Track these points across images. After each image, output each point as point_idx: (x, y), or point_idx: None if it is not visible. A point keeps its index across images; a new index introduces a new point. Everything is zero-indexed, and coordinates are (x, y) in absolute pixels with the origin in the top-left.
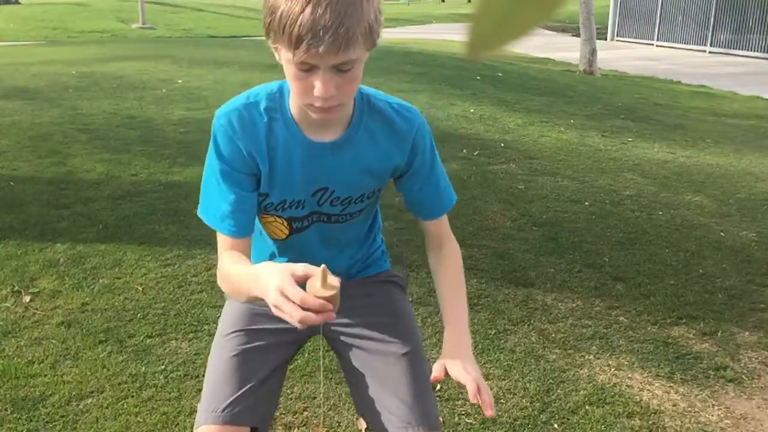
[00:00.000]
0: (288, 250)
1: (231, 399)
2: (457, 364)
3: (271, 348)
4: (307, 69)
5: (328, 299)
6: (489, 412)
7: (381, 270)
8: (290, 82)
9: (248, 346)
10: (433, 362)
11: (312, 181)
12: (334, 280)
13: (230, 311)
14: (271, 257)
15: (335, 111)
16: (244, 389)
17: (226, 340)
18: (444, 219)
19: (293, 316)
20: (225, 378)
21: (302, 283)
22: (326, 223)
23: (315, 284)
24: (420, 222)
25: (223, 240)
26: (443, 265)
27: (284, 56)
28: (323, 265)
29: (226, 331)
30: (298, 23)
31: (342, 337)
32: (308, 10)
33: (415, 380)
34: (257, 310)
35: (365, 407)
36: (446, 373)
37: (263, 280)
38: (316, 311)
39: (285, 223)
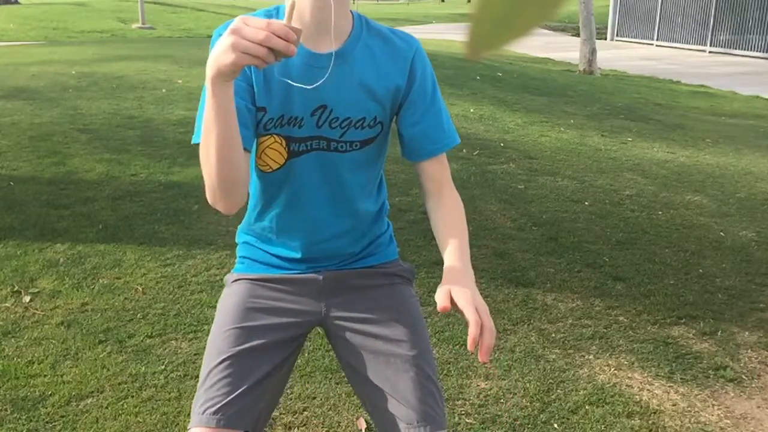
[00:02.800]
0: (286, 186)
1: (225, 401)
2: (464, 294)
3: (268, 347)
4: None
5: (294, 30)
6: (482, 358)
7: (389, 259)
8: None
9: (244, 346)
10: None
11: (310, 97)
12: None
13: (225, 306)
14: (270, 199)
15: None
16: (238, 391)
17: (222, 338)
18: (445, 162)
19: (257, 35)
20: (219, 378)
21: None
22: (326, 150)
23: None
24: (418, 167)
25: None
26: (442, 210)
27: None
28: (291, 1)
29: (221, 327)
30: None
31: (346, 333)
32: None
33: (422, 383)
34: (254, 304)
35: (370, 408)
36: (453, 303)
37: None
38: (281, 37)
39: (283, 143)
